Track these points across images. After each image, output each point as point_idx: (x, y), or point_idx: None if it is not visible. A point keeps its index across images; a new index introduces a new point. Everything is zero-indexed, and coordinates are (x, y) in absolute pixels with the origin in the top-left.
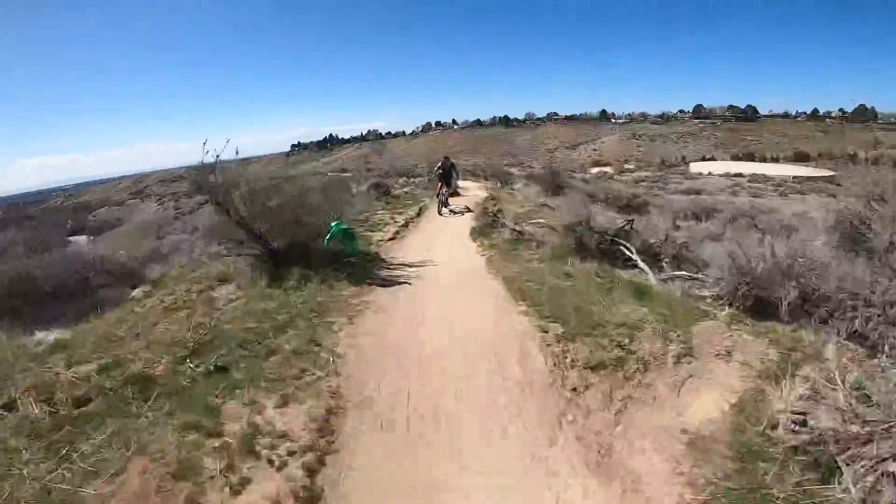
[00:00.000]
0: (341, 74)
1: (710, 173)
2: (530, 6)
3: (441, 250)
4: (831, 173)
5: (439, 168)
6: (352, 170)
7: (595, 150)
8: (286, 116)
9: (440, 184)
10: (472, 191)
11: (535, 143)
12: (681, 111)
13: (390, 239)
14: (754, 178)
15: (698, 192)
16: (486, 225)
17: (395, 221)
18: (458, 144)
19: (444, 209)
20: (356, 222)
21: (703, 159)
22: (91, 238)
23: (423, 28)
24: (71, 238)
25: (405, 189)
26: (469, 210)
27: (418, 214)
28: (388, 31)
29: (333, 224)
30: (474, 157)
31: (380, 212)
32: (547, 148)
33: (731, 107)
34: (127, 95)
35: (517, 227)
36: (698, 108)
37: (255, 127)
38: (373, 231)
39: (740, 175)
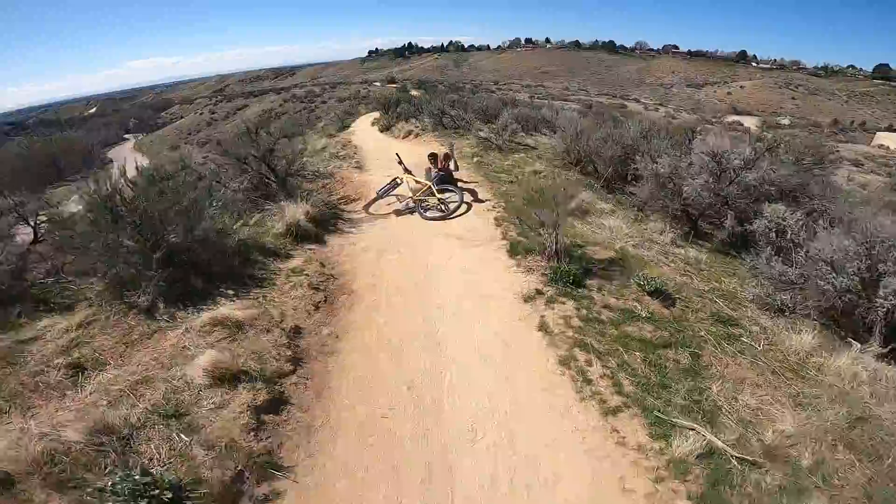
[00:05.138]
0: None
1: None
2: None
3: None
4: None
5: (439, 170)
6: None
7: (729, 93)
8: (372, 25)
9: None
10: None
11: (645, 76)
12: (851, 66)
13: None
14: None
15: None
16: None
17: None
18: (551, 65)
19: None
20: None
21: (892, 129)
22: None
23: None
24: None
25: None
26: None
27: None
28: None
29: None
30: (569, 81)
31: None
32: (661, 82)
33: None
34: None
35: None
36: (882, 66)
37: (343, 32)
38: None
39: None
